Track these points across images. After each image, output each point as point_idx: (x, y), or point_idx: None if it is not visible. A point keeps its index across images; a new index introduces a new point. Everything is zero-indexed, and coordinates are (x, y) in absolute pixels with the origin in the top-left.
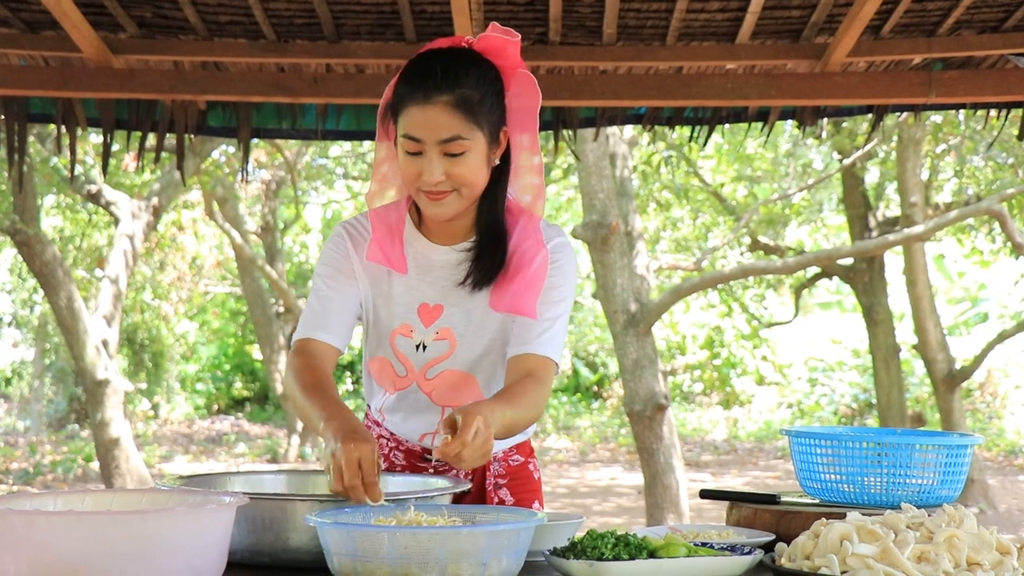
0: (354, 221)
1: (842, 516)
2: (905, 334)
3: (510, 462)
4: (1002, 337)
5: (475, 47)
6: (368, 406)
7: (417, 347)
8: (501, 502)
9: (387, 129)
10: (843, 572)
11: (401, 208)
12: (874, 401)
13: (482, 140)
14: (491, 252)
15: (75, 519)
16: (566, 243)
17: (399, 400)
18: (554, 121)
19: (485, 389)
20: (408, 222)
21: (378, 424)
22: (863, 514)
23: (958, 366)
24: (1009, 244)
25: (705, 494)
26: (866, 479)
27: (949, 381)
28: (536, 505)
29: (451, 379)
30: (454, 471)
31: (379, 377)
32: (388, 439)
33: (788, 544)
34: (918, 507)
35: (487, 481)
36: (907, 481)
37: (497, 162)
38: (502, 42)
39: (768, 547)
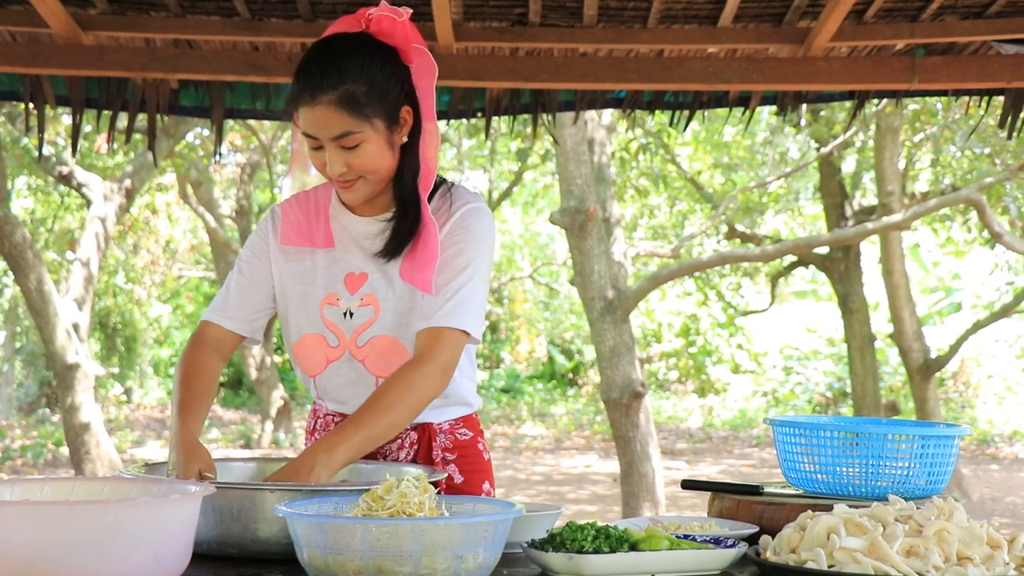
0: (284, 204)
1: (828, 508)
2: (879, 323)
3: (457, 435)
4: (977, 327)
5: (370, 27)
6: (315, 399)
7: (344, 314)
8: (450, 480)
9: (296, 121)
10: (830, 566)
11: (329, 186)
12: (848, 390)
13: (378, 128)
14: (402, 223)
15: (31, 509)
16: (477, 208)
17: (334, 374)
18: (533, 104)
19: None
20: (334, 197)
21: (320, 404)
22: (850, 506)
23: (933, 355)
24: (984, 234)
25: (687, 484)
26: (842, 468)
27: (924, 370)
28: (486, 487)
29: (381, 345)
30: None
31: (311, 354)
32: (333, 416)
33: (772, 536)
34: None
35: (433, 454)
36: (882, 471)
37: (405, 139)
38: (390, 21)
39: (752, 539)
